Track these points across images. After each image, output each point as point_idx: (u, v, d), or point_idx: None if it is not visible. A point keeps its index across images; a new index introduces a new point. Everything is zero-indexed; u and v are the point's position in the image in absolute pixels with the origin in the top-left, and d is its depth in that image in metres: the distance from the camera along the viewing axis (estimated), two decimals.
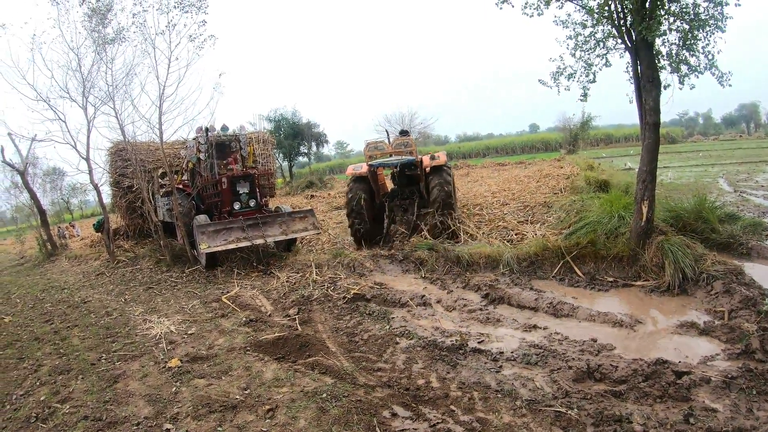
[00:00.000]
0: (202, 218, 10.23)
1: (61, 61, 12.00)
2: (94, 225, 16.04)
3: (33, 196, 17.01)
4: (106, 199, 14.74)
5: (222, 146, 11.82)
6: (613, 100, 6.57)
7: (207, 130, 11.19)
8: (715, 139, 50.42)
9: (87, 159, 12.13)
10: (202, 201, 11.80)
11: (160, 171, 13.78)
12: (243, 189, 10.76)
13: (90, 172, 12.22)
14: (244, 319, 6.54)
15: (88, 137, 12.11)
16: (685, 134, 56.53)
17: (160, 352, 5.67)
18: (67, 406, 4.62)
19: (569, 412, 3.51)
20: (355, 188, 9.90)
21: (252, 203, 10.83)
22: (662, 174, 16.23)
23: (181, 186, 12.15)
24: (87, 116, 11.89)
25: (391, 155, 10.24)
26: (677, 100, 6.33)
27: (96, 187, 12.42)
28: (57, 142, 12.06)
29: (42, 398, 4.90)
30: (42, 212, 17.22)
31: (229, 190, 10.67)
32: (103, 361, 5.71)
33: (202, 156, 11.30)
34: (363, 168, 9.92)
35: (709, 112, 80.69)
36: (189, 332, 6.27)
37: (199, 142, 11.20)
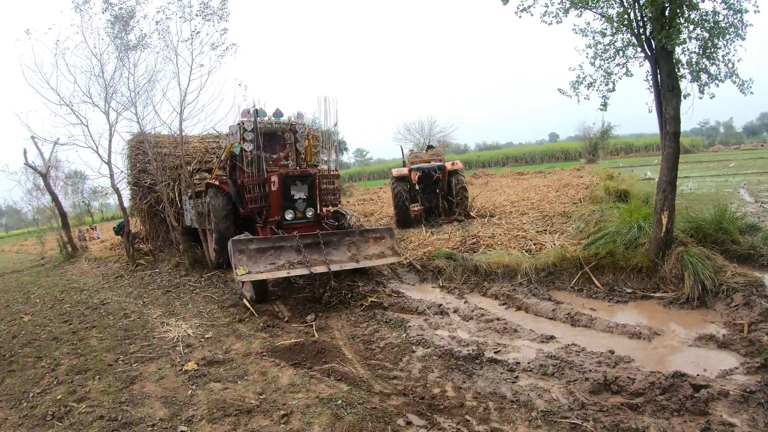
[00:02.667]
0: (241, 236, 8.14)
1: (84, 67, 12.26)
2: (114, 228, 16.21)
3: (54, 198, 17.38)
4: (127, 203, 14.21)
5: (273, 136, 9.90)
6: (633, 110, 6.55)
7: (256, 112, 9.00)
8: (736, 148, 49.68)
9: (108, 163, 12.34)
10: (242, 204, 9.44)
11: (190, 167, 12.01)
12: (299, 193, 8.60)
13: (111, 176, 12.42)
14: (261, 324, 6.60)
15: (110, 142, 12.35)
16: (705, 144, 55.85)
17: (177, 355, 5.71)
18: (84, 406, 4.66)
19: (585, 424, 3.46)
20: (398, 185, 12.59)
21: (309, 213, 8.69)
22: (683, 184, 16.01)
23: (216, 182, 10.25)
24: (109, 121, 12.11)
25: (429, 161, 13.53)
26: (698, 109, 6.26)
27: (117, 191, 12.63)
28: (79, 146, 12.27)
29: (59, 397, 4.94)
30: (63, 214, 17.57)
31: (280, 192, 8.49)
32: (120, 362, 5.75)
33: (246, 146, 8.94)
34: (404, 170, 13.08)
35: (731, 121, 79.60)
36: (206, 336, 6.32)
37: (244, 128, 9.01)
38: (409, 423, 3.71)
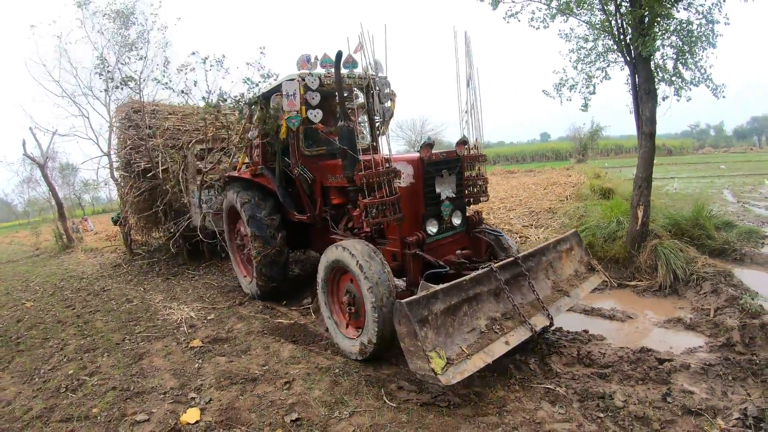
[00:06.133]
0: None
1: (86, 61, 12.40)
2: (112, 218, 16.32)
3: (52, 189, 17.55)
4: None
5: (330, 99, 6.61)
6: (625, 112, 6.92)
7: (324, 61, 6.03)
8: (725, 151, 50.48)
9: (108, 155, 12.59)
10: (302, 206, 6.61)
11: (198, 147, 9.65)
12: (446, 190, 5.22)
13: (111, 167, 12.68)
14: (261, 306, 6.91)
15: (110, 134, 12.59)
16: (696, 146, 56.58)
17: (182, 335, 6.03)
18: (95, 379, 4.94)
19: (558, 389, 3.87)
20: None
21: (457, 220, 5.44)
22: (668, 184, 16.52)
23: (246, 175, 7.36)
24: (109, 113, 12.36)
25: None
26: (689, 112, 6.72)
27: (116, 182, 12.87)
28: (80, 137, 12.49)
29: (70, 372, 5.22)
30: (60, 205, 17.73)
31: (419, 191, 5.02)
32: (127, 341, 6.05)
33: (312, 114, 5.96)
34: None
35: (721, 125, 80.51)
36: (208, 318, 6.65)
37: (305, 84, 5.92)
38: (400, 388, 4.11)
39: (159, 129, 9.95)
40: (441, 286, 3.96)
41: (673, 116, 6.80)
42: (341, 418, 3.68)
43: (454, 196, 5.33)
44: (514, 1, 6.72)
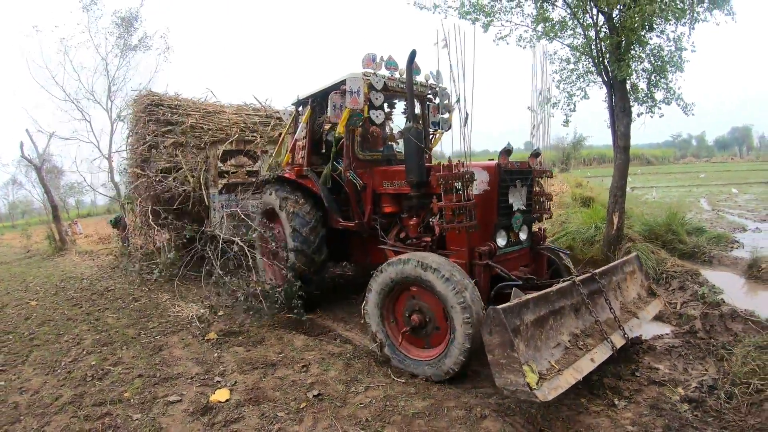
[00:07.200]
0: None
1: (89, 65, 12.68)
2: (110, 221, 16.22)
3: (47, 191, 17.70)
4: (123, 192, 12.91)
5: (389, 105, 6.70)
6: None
7: (388, 63, 6.01)
8: (706, 161, 51.90)
9: (109, 158, 12.89)
10: (347, 213, 6.44)
11: (221, 149, 9.29)
12: (517, 201, 5.12)
13: (110, 171, 12.98)
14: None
15: (111, 138, 12.89)
16: (677, 156, 57.90)
17: (195, 329, 6.36)
18: (120, 368, 5.14)
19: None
20: None
21: (524, 235, 5.36)
22: (648, 193, 17.30)
23: (290, 175, 7.01)
24: (111, 118, 12.68)
25: None
26: (672, 123, 7.43)
27: (116, 185, 13.15)
28: (81, 141, 12.74)
29: (93, 363, 5.32)
30: (55, 207, 17.87)
31: (494, 199, 4.92)
32: (142, 335, 6.29)
33: (376, 116, 5.87)
34: None
35: (703, 135, 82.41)
36: (218, 314, 7.03)
37: (370, 84, 5.78)
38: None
39: (181, 126, 9.31)
40: (531, 294, 3.79)
41: (656, 126, 7.52)
42: (358, 392, 4.23)
43: (524, 208, 5.18)
44: (503, 25, 7.36)
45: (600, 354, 3.94)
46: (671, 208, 9.94)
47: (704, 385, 3.98)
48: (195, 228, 8.78)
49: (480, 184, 4.85)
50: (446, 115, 6.68)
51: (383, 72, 5.99)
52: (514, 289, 4.26)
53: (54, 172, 32.30)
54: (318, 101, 6.69)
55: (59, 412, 4.27)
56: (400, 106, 6.81)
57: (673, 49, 6.83)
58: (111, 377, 4.97)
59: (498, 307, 3.35)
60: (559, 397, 3.87)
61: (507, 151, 4.89)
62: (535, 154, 5.27)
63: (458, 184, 4.57)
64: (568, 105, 7.43)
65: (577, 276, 4.43)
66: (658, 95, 7.08)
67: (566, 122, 7.61)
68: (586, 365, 3.73)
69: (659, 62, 6.84)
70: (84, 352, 5.81)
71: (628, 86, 7.09)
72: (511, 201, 5.01)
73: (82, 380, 4.94)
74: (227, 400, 4.25)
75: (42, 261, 16.40)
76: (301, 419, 3.87)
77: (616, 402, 3.89)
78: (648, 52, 6.91)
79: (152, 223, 9.68)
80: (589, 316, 4.19)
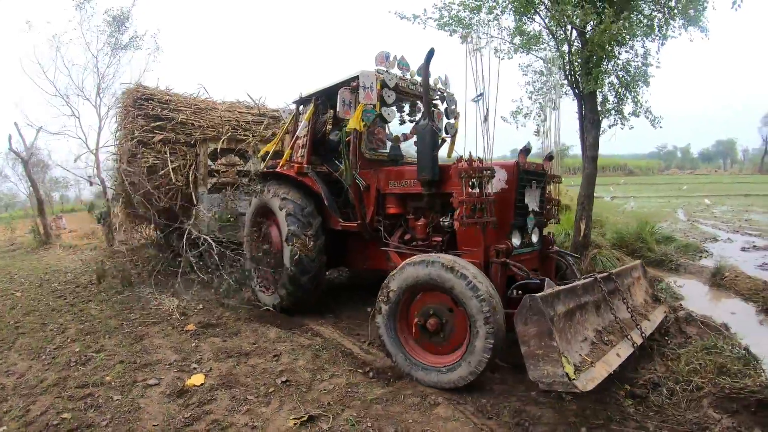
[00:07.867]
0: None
1: (79, 61, 12.81)
2: (96, 215, 16.23)
3: (33, 185, 17.75)
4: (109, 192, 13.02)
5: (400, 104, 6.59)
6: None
7: (401, 62, 6.06)
8: (690, 172, 52.68)
9: (96, 153, 13.04)
10: (348, 214, 6.34)
11: (211, 147, 9.12)
12: (532, 202, 5.09)
13: (97, 167, 13.13)
14: (245, 298, 7.54)
15: (99, 134, 13.04)
16: (662, 167, 58.64)
17: (175, 321, 6.58)
18: (102, 355, 5.34)
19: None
20: None
21: (535, 237, 5.34)
22: (626, 203, 17.73)
23: (289, 172, 6.78)
24: (99, 115, 12.84)
25: None
26: (658, 134, 7.78)
27: (102, 182, 13.28)
28: (70, 136, 12.87)
29: (76, 350, 5.51)
30: (40, 201, 17.92)
31: (512, 198, 4.85)
32: (125, 326, 6.49)
33: (387, 113, 5.89)
34: None
35: (688, 147, 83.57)
36: (198, 308, 7.27)
37: (383, 81, 5.71)
38: (372, 358, 5.01)
39: (171, 122, 9.05)
40: (561, 287, 3.84)
41: (642, 137, 7.91)
42: (323, 380, 4.54)
43: (537, 210, 5.13)
44: (480, 37, 7.66)
45: (624, 350, 4.03)
46: (641, 218, 10.35)
47: (650, 383, 4.26)
48: (177, 225, 8.76)
49: (498, 182, 4.74)
50: (452, 121, 6.68)
51: (395, 71, 5.97)
52: (547, 279, 4.21)
53: (40, 166, 32.11)
54: (322, 99, 6.58)
55: (44, 393, 4.49)
56: (404, 109, 6.81)
57: (639, 64, 7.19)
58: (94, 363, 5.18)
59: (535, 295, 3.36)
60: (508, 388, 4.22)
61: (526, 150, 4.86)
62: (549, 158, 5.27)
63: (476, 181, 4.49)
64: (539, 116, 7.78)
65: (602, 273, 4.57)
66: (627, 108, 7.44)
67: (537, 132, 7.94)
68: (614, 359, 3.79)
69: (627, 77, 7.19)
70: (68, 340, 6.01)
71: (600, 98, 7.44)
72: (527, 201, 4.97)
73: (65, 365, 5.13)
74: (202, 384, 4.52)
75: (26, 254, 16.35)
76: (268, 402, 4.16)
77: (563, 395, 4.13)
78: (617, 66, 7.26)
79: (136, 220, 9.79)
80: (608, 313, 4.28)
